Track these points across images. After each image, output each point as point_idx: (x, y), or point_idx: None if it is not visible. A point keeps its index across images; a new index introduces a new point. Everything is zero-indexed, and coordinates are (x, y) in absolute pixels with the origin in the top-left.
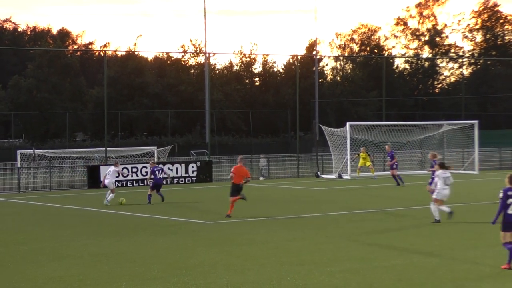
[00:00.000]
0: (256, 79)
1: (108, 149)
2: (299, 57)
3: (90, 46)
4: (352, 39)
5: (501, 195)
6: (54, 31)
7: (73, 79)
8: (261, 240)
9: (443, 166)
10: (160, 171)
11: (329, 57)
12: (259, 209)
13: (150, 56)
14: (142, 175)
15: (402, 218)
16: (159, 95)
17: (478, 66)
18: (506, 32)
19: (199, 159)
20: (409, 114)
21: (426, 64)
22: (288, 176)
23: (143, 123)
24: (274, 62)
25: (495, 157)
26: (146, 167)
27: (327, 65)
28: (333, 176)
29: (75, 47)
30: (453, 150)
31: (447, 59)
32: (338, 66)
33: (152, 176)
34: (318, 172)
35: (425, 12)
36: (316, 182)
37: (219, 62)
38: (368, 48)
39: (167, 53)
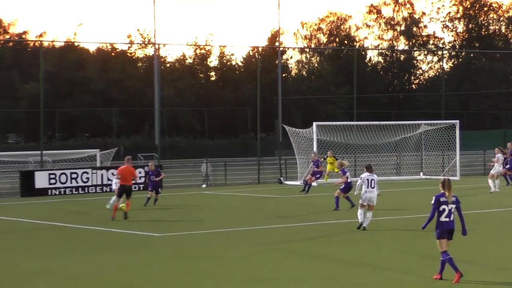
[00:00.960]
0: (212, 73)
1: (44, 152)
2: (260, 49)
3: (23, 36)
4: (319, 29)
5: (432, 202)
6: None
7: (4, 72)
8: (217, 255)
9: (369, 169)
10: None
11: (294, 49)
12: (215, 220)
13: (92, 48)
14: (83, 181)
15: (372, 231)
16: (102, 91)
17: (460, 60)
18: (490, 21)
19: (147, 163)
20: (383, 113)
21: (402, 57)
22: (248, 182)
23: (84, 122)
24: (232, 55)
25: (479, 161)
26: (87, 173)
27: (291, 58)
28: (298, 183)
29: (7, 37)
30: (432, 153)
31: (425, 52)
32: (304, 59)
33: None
34: (281, 178)
35: None
36: (279, 189)
37: (170, 54)
38: (337, 39)
39: (112, 44)
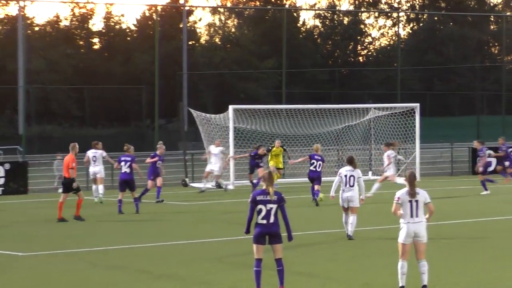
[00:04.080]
0: (96, 40)
1: None
2: (159, 8)
3: None
4: None
5: (249, 200)
6: None
7: None
8: (97, 281)
9: (350, 162)
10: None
11: (204, 8)
12: (92, 234)
13: None
14: None
15: (317, 244)
16: None
17: (421, 24)
18: None
19: (8, 159)
20: (321, 94)
21: (346, 20)
22: (144, 184)
23: None
24: (122, 16)
25: (445, 156)
26: None
27: (200, 20)
28: (209, 185)
29: None
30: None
31: (376, 14)
32: (218, 22)
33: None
34: (187, 179)
35: None
36: (183, 194)
37: (40, 14)
38: None
39: None
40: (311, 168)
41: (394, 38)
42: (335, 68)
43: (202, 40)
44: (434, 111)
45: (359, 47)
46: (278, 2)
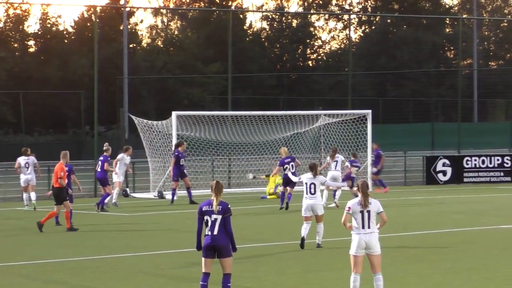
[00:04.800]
0: (31, 43)
1: None
2: (98, 9)
3: None
4: None
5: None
6: None
7: None
8: None
9: (312, 169)
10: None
11: (145, 9)
12: (27, 246)
13: None
14: None
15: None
16: None
17: (373, 27)
18: None
19: None
20: (269, 100)
21: (295, 22)
22: (81, 195)
23: None
24: (59, 17)
25: (398, 165)
26: None
27: (142, 22)
28: (150, 195)
29: None
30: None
31: (326, 16)
32: (160, 24)
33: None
34: (127, 189)
35: None
36: (124, 204)
37: None
38: None
39: None
40: (285, 172)
41: (345, 41)
42: (284, 73)
43: (144, 43)
44: (387, 118)
45: (308, 51)
46: (224, 3)
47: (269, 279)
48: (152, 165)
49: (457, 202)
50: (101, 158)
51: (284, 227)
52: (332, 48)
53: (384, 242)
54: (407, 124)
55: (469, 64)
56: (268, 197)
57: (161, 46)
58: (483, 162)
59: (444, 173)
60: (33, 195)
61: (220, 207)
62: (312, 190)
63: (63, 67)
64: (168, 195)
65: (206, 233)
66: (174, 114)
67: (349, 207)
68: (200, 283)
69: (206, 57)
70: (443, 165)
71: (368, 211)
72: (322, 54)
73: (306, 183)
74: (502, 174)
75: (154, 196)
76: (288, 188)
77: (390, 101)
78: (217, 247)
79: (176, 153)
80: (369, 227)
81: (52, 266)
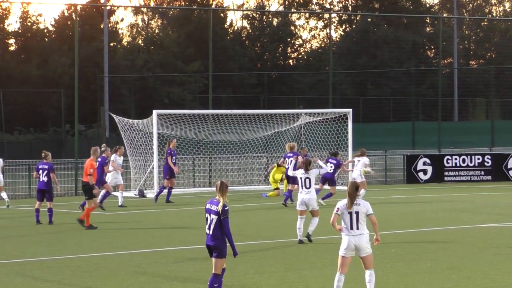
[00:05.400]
0: (11, 41)
1: None
2: (78, 8)
3: None
4: None
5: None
6: None
7: None
8: None
9: (307, 164)
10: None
11: (126, 8)
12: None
13: None
14: None
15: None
16: None
17: (354, 26)
18: None
19: None
20: (249, 99)
21: (275, 21)
22: (60, 194)
23: None
24: (40, 15)
25: (378, 164)
26: None
27: (122, 20)
28: (132, 194)
29: None
30: (316, 153)
31: (307, 15)
32: (140, 22)
33: None
34: (143, 189)
35: None
36: (105, 203)
37: None
38: None
39: None
40: (287, 167)
41: (325, 40)
42: (264, 71)
43: (124, 42)
44: (368, 117)
45: (289, 50)
46: (204, 2)
47: (248, 277)
48: (132, 164)
49: (437, 201)
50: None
51: (267, 225)
52: (313, 47)
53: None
54: (388, 123)
55: (450, 63)
56: (268, 194)
57: (142, 44)
58: (463, 161)
59: (425, 172)
60: (4, 195)
61: (219, 208)
62: (307, 185)
63: (43, 65)
64: (149, 194)
65: (206, 231)
66: (154, 112)
67: (337, 208)
68: (211, 282)
69: (187, 55)
70: (424, 164)
71: (356, 213)
72: (302, 53)
73: (301, 178)
74: (482, 173)
75: (135, 194)
76: (290, 185)
77: (370, 100)
78: (210, 246)
79: (168, 151)
80: (357, 228)
81: (32, 265)
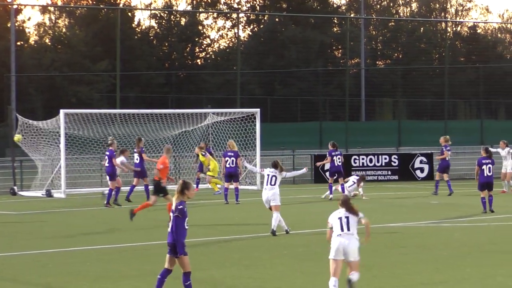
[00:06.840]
0: None
1: None
2: None
3: None
4: None
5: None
6: None
7: None
8: None
9: (275, 166)
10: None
11: (33, 7)
12: None
13: None
14: None
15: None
16: None
17: (262, 26)
18: None
19: None
20: (157, 98)
21: (183, 20)
22: None
23: None
24: None
25: (286, 164)
26: None
27: (29, 19)
28: (39, 193)
29: None
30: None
31: (215, 14)
32: (47, 21)
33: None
34: (15, 188)
35: None
36: (11, 203)
37: None
38: None
39: None
40: (227, 165)
41: (233, 40)
42: (172, 71)
43: (31, 41)
44: (276, 117)
45: (197, 49)
46: (112, 1)
47: (209, 272)
48: (39, 163)
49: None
50: (107, 153)
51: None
52: (221, 47)
53: (274, 240)
54: (296, 123)
55: (357, 63)
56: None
57: (49, 43)
58: (370, 160)
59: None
60: None
61: (174, 206)
62: (272, 182)
63: None
64: (56, 193)
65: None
66: (62, 112)
67: (328, 222)
68: (158, 276)
69: (94, 55)
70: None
71: (347, 217)
72: (210, 53)
73: (268, 175)
74: (389, 172)
75: (42, 194)
76: (235, 183)
77: (278, 100)
78: (169, 243)
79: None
80: (348, 230)
81: None
